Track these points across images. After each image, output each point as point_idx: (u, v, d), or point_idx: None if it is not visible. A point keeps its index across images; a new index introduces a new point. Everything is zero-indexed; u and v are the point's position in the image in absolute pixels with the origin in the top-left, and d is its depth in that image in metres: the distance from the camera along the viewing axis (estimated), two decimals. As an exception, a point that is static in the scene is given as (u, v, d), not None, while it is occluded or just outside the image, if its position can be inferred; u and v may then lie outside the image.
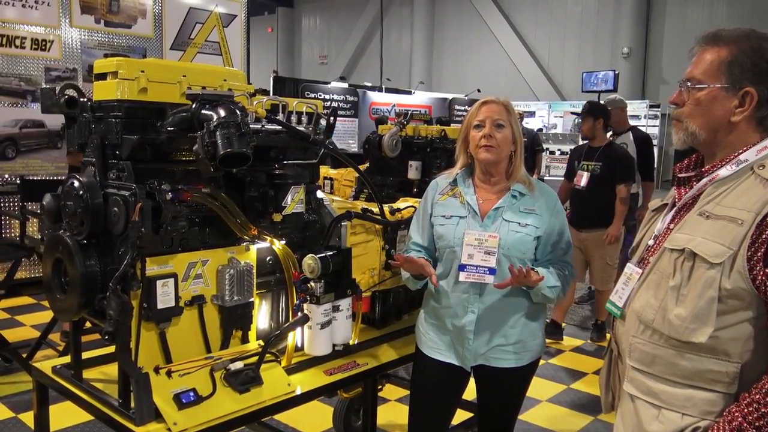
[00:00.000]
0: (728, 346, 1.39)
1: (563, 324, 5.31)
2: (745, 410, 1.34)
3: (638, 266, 1.60)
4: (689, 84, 1.50)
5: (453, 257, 2.14)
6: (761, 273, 1.34)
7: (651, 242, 1.60)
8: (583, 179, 4.93)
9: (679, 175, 1.59)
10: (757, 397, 1.34)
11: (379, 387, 2.66)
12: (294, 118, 2.31)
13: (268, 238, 2.21)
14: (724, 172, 1.47)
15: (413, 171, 3.03)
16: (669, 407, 1.46)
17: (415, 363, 2.36)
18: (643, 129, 7.00)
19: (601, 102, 5.99)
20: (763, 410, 1.32)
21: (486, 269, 2.07)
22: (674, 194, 1.59)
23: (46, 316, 4.66)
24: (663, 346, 1.46)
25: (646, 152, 5.60)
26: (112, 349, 2.10)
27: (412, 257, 2.17)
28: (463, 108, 14.37)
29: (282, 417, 3.37)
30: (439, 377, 2.23)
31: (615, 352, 1.68)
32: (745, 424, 1.33)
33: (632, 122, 6.34)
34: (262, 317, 2.30)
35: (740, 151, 1.47)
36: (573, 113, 10.04)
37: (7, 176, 5.55)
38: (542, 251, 2.17)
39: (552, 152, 14.39)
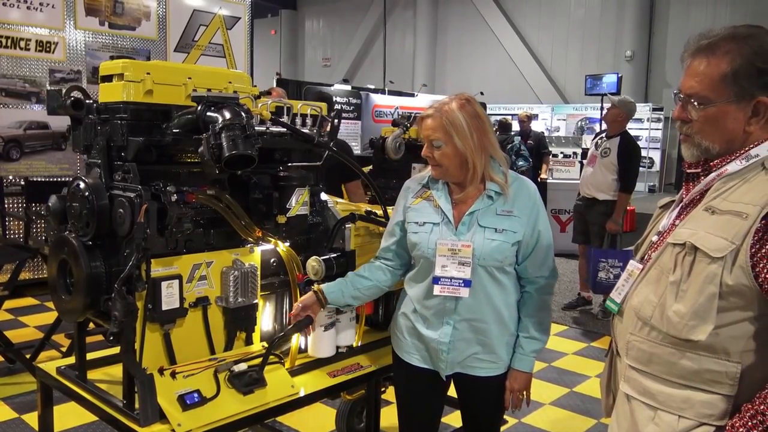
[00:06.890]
0: (728, 345, 1.33)
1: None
2: (749, 423, 1.27)
3: (640, 263, 1.54)
4: (695, 102, 1.42)
5: (428, 267, 2.00)
6: (765, 269, 1.27)
7: (655, 238, 1.54)
8: None
9: (688, 171, 1.52)
10: (762, 407, 1.26)
11: (383, 389, 2.65)
12: (298, 121, 2.32)
13: (273, 239, 2.22)
14: (733, 167, 1.39)
15: (416, 173, 3.03)
16: (665, 409, 1.40)
17: (396, 371, 2.22)
18: (646, 131, 6.85)
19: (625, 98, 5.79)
20: None
21: (460, 281, 1.94)
22: (682, 191, 1.54)
23: (50, 317, 4.67)
24: (661, 344, 1.40)
25: (624, 162, 5.33)
26: (116, 350, 2.12)
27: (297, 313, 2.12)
28: (466, 111, 14.35)
29: (285, 419, 3.37)
30: (421, 384, 2.13)
31: (615, 352, 1.62)
32: None
33: (635, 125, 6.18)
34: (266, 319, 2.31)
35: (752, 146, 1.39)
36: None
37: (11, 177, 5.57)
38: (524, 253, 2.02)
39: (555, 155, 14.35)
